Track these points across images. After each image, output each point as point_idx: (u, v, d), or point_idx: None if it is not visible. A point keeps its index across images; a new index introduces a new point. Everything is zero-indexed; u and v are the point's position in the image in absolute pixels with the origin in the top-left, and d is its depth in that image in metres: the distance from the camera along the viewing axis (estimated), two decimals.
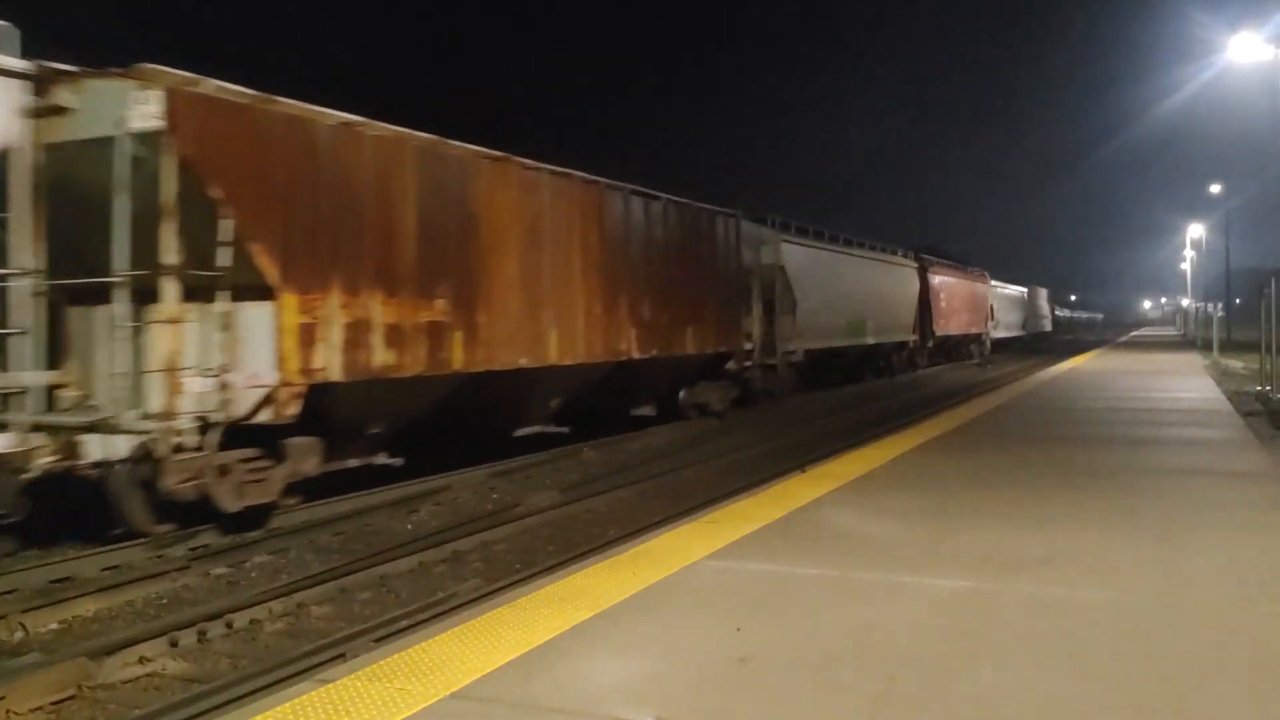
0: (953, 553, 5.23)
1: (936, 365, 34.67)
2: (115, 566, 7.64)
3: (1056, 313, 79.37)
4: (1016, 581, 4.65)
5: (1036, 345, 57.43)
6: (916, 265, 32.28)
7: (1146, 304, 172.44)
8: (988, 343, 43.97)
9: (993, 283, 46.47)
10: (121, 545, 7.91)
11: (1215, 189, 50.48)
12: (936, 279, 34.25)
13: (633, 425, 15.34)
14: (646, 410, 15.90)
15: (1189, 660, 3.59)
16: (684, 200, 15.76)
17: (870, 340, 26.66)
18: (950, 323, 36.27)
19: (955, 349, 38.62)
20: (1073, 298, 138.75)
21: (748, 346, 18.16)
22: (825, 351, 22.99)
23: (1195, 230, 64.75)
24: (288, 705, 3.28)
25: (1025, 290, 60.57)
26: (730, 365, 17.30)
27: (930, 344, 33.73)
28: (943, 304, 34.99)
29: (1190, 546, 5.33)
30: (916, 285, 31.93)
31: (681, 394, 16.53)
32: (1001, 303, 49.31)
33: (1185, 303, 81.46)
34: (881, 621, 4.08)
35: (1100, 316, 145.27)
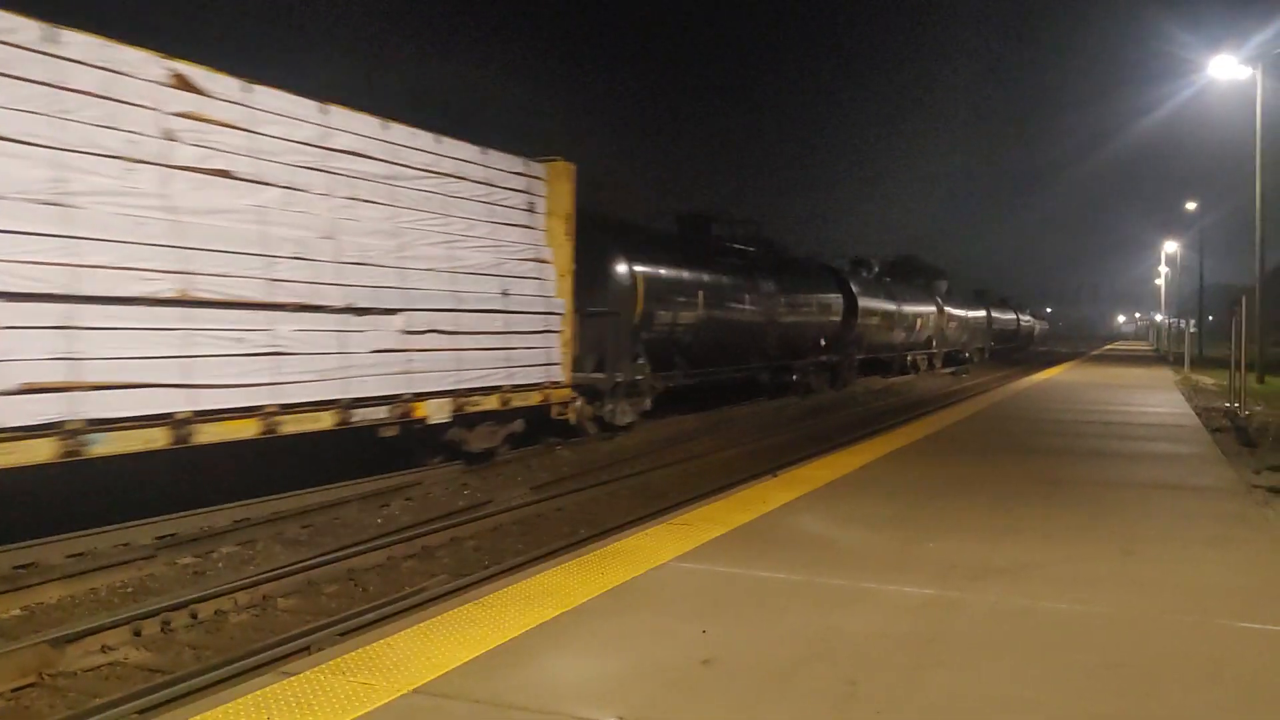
0: (918, 560, 5.27)
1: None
2: (81, 554, 7.57)
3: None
4: (980, 590, 4.70)
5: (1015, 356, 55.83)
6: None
7: (1121, 318, 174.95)
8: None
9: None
10: (87, 532, 7.84)
11: (1191, 206, 51.17)
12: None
13: None
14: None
15: (1147, 670, 3.64)
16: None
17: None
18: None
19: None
20: (1048, 310, 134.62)
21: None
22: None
23: (1170, 246, 65.55)
24: (249, 697, 3.27)
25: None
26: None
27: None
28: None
29: (1153, 560, 5.40)
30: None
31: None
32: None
33: (1159, 318, 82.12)
34: (846, 626, 4.12)
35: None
